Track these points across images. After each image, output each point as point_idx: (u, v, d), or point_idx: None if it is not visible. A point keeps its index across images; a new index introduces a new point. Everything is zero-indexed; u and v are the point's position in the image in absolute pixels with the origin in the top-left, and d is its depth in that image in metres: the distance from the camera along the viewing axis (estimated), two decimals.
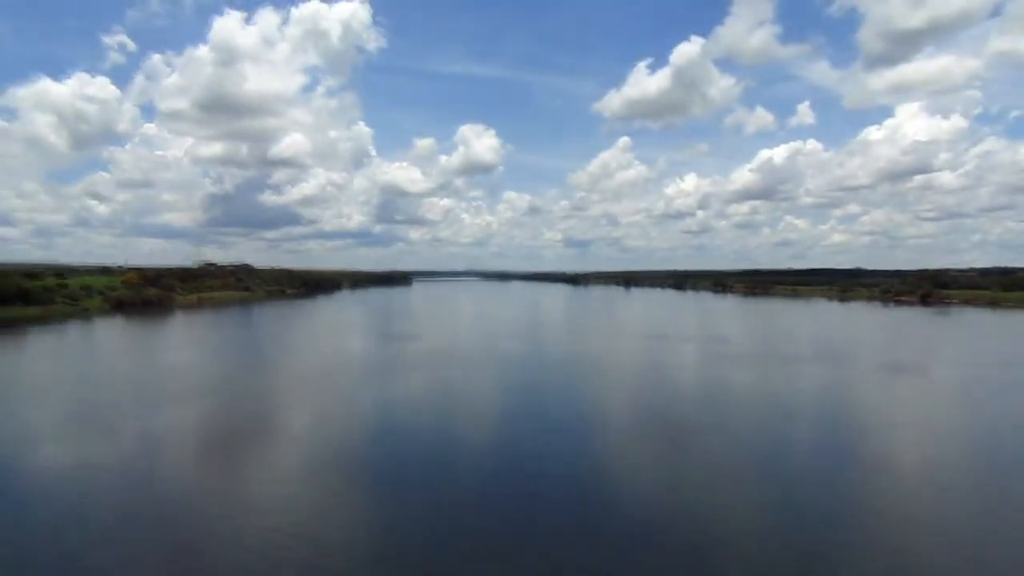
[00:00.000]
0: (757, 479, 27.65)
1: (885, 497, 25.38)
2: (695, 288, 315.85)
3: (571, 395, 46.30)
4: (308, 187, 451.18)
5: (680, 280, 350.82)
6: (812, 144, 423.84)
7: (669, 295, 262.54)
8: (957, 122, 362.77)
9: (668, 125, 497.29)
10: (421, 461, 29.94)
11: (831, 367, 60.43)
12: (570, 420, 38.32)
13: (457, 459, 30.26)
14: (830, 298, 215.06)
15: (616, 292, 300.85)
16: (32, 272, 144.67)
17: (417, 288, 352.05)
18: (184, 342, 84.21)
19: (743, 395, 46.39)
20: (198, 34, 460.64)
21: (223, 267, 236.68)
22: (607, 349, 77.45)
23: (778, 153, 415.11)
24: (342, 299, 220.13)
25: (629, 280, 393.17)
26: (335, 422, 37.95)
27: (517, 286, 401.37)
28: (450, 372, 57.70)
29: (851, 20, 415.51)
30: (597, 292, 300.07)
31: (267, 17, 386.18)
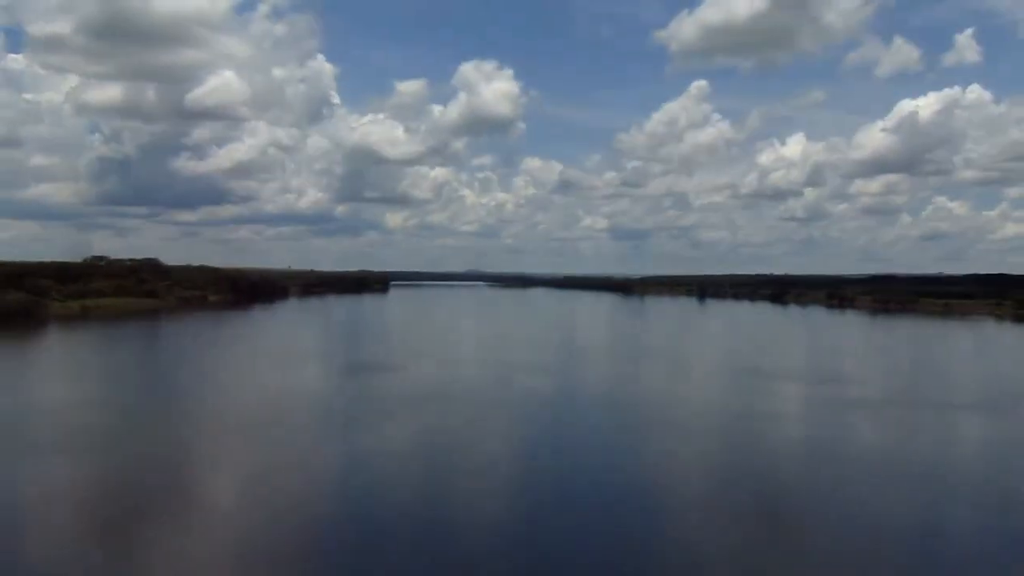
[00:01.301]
0: None
1: None
2: (801, 301, 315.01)
3: (621, 462, 46.35)
4: (242, 150, 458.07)
5: (779, 289, 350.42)
6: (976, 92, 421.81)
7: (763, 311, 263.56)
8: None
9: (765, 64, 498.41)
10: (399, 566, 29.30)
11: (1013, 423, 60.34)
12: (622, 502, 38.24)
13: (453, 562, 29.49)
14: (1001, 317, 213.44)
15: (685, 306, 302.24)
16: None
17: (397, 296, 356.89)
18: (56, 371, 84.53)
19: (878, 465, 46.51)
20: None
21: (119, 263, 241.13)
22: (673, 392, 77.66)
23: (925, 105, 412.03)
24: (289, 310, 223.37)
25: (704, 288, 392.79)
26: (274, 499, 37.88)
27: (541, 295, 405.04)
28: (443, 421, 57.95)
29: None
30: (658, 305, 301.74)
31: None
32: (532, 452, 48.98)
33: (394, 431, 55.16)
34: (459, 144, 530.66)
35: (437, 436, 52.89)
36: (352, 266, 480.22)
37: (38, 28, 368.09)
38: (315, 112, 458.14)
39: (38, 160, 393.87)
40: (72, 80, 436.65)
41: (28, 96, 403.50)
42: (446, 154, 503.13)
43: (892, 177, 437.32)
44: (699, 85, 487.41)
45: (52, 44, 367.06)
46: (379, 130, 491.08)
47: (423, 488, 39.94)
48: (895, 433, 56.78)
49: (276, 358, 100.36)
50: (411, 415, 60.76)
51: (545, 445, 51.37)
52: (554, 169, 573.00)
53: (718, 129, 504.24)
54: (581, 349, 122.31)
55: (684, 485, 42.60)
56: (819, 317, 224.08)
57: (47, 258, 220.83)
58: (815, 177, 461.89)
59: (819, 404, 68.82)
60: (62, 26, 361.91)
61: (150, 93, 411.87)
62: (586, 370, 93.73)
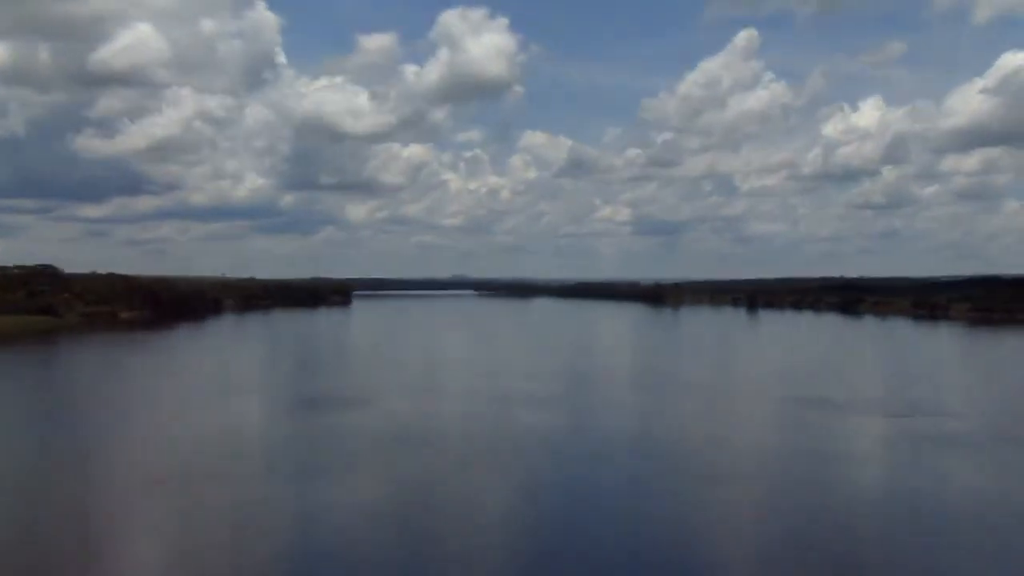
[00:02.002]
0: None
1: None
2: (879, 312, 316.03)
3: (656, 531, 46.34)
4: (162, 124, 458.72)
5: (851, 297, 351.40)
6: None
7: (831, 325, 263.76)
8: None
9: (828, 8, 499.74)
10: None
11: None
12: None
13: None
14: None
15: (731, 319, 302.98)
16: None
17: (361, 310, 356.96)
18: None
19: (979, 523, 46.89)
20: None
21: (4, 271, 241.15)
22: (719, 432, 77.58)
23: None
24: (225, 330, 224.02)
25: (755, 297, 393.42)
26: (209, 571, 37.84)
27: (547, 307, 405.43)
28: (421, 473, 57.95)
29: None
30: (695, 318, 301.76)
31: None
32: (537, 515, 48.97)
33: (358, 486, 55.14)
34: (440, 115, 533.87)
35: (413, 492, 52.82)
36: (304, 272, 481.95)
37: None
38: (255, 75, 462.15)
39: None
40: None
41: None
42: (423, 128, 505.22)
43: (993, 151, 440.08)
44: (746, 36, 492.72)
45: None
46: (337, 98, 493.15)
47: (395, 563, 39.96)
48: (1004, 482, 56.56)
49: (209, 392, 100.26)
50: (379, 464, 60.81)
51: (554, 504, 51.24)
52: (562, 146, 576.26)
53: (771, 92, 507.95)
54: (598, 377, 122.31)
55: (738, 560, 42.57)
56: (903, 331, 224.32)
57: None
58: (895, 152, 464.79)
59: (905, 444, 68.94)
60: None
61: (43, 54, 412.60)
62: (605, 404, 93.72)
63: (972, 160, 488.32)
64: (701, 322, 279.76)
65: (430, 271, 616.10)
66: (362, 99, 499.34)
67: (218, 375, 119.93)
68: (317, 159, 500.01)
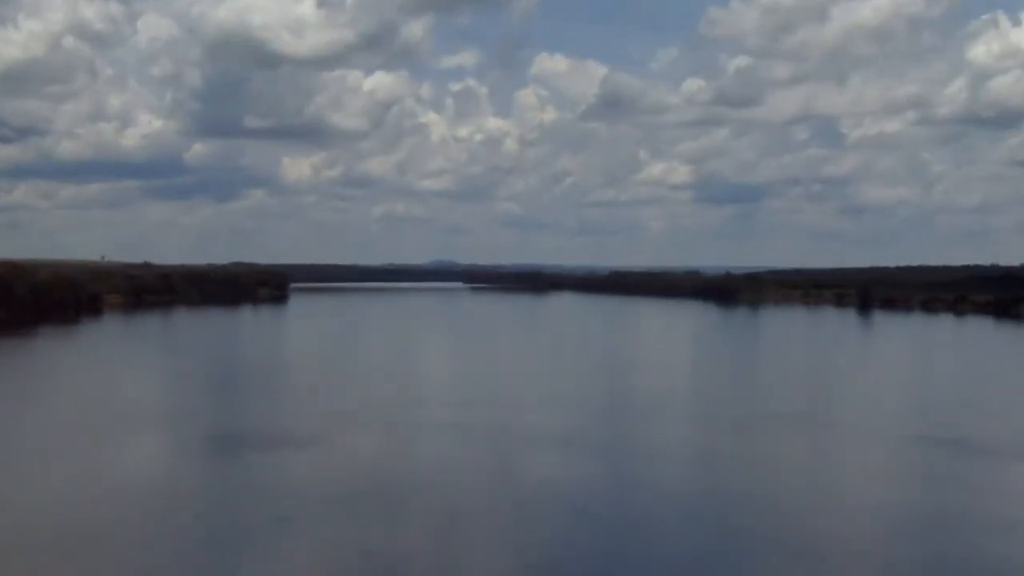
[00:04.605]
0: None
1: None
2: None
3: None
4: (18, 41, 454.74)
5: (1013, 293, 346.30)
6: None
7: (980, 331, 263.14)
8: None
9: None
10: None
11: None
12: None
13: None
14: None
15: (835, 323, 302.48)
16: None
17: (302, 309, 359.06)
18: None
19: None
20: None
21: None
22: (821, 478, 77.94)
23: None
24: (106, 337, 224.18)
25: (869, 292, 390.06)
26: None
27: (569, 304, 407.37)
28: (390, 546, 57.75)
29: None
30: (783, 322, 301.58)
31: None
32: None
33: (301, 561, 54.68)
34: (416, 30, 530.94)
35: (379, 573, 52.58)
36: (220, 255, 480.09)
37: None
38: None
39: None
40: None
41: None
42: (393, 48, 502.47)
43: None
44: None
45: None
46: (269, 4, 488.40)
47: None
48: None
49: (86, 424, 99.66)
50: (330, 529, 60.66)
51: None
52: (591, 74, 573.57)
53: None
54: (644, 407, 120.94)
55: None
56: None
57: None
58: None
59: None
60: None
61: None
62: (656, 447, 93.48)
63: None
64: (790, 329, 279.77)
65: (402, 255, 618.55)
66: (306, 6, 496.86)
67: (96, 403, 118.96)
68: (240, 93, 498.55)
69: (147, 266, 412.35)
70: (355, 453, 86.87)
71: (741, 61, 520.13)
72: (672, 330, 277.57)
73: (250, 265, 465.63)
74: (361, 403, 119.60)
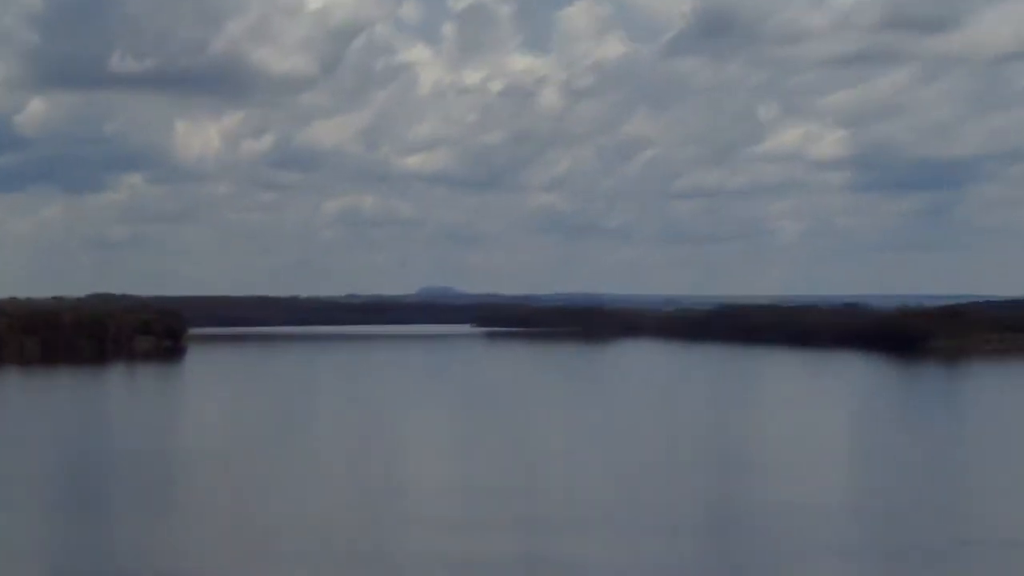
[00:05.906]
0: None
1: None
2: None
3: None
4: None
5: None
6: None
7: None
8: None
9: None
10: None
11: None
12: None
13: None
14: None
15: None
16: None
17: (206, 373, 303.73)
18: None
19: None
20: None
21: None
22: None
23: None
24: None
25: None
26: None
27: (650, 358, 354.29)
28: None
29: None
30: (1006, 390, 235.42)
31: None
32: None
33: None
34: None
35: None
36: (74, 284, 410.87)
37: None
38: None
39: None
40: None
41: None
42: None
43: None
44: None
45: None
46: None
47: None
48: None
49: None
50: None
51: None
52: (677, 5, 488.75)
53: None
54: (788, 544, 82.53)
55: None
56: None
57: None
58: None
59: None
60: None
61: None
62: None
63: None
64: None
65: (374, 280, 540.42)
66: None
67: None
68: (103, 17, 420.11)
69: None
70: None
71: None
72: (819, 401, 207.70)
73: (123, 299, 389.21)
74: (303, 533, 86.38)
